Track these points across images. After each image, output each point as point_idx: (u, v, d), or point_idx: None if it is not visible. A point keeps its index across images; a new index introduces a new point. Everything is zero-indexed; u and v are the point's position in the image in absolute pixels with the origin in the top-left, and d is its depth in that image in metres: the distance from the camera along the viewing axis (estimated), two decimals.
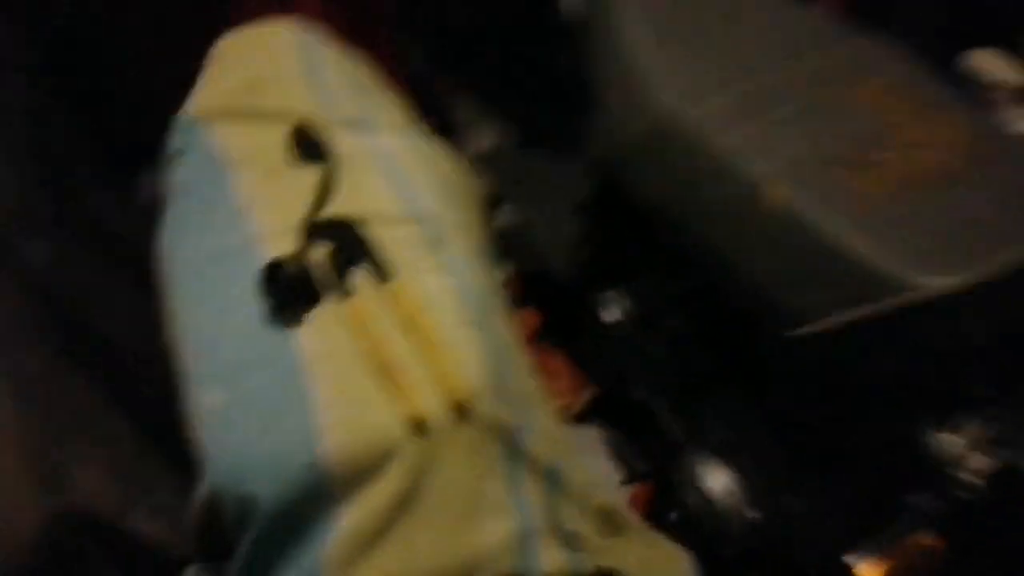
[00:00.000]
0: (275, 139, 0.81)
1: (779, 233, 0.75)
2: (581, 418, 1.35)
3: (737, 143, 0.80)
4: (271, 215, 0.74)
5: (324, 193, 0.75)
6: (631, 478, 1.27)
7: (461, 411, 0.58)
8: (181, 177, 0.82)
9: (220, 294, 0.68)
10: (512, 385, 0.64)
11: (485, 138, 1.58)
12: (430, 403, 0.58)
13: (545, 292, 1.42)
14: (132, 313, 0.88)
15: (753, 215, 0.77)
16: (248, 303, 0.66)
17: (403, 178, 0.76)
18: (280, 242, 0.71)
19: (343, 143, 0.80)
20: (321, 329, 0.63)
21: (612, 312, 1.12)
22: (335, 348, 0.61)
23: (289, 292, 0.64)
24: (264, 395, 0.59)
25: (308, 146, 0.79)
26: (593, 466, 1.30)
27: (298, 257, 0.67)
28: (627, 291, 1.12)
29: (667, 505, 1.14)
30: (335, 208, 0.73)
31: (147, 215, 0.99)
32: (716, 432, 1.03)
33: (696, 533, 1.01)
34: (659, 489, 1.18)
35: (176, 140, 0.85)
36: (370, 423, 0.57)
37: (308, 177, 0.76)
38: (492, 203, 1.53)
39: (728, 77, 0.85)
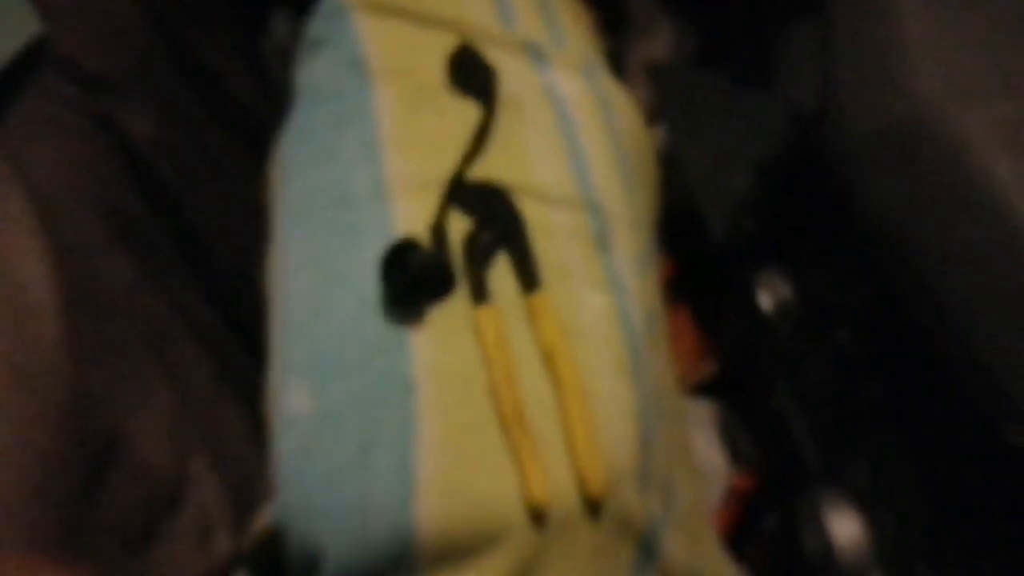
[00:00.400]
0: (435, 51, 0.66)
1: None
2: (698, 390, 1.21)
3: (1015, 174, 0.60)
4: (411, 157, 0.59)
5: (479, 143, 0.60)
6: (739, 464, 1.13)
7: (594, 503, 0.44)
8: (315, 76, 0.67)
9: (331, 253, 0.55)
10: (658, 454, 0.50)
11: (660, 43, 1.35)
12: (560, 484, 0.45)
13: (686, 238, 1.25)
14: (235, 210, 0.76)
15: (1019, 274, 0.59)
16: (363, 276, 0.53)
17: (577, 142, 0.60)
18: (415, 198, 0.57)
19: (514, 76, 0.64)
20: (444, 336, 0.50)
21: (768, 296, 0.95)
22: (457, 367, 0.49)
23: (416, 282, 0.49)
24: (361, 414, 0.47)
25: (471, 72, 0.63)
26: (700, 445, 1.17)
27: (435, 233, 0.53)
28: (793, 278, 0.94)
29: (770, 515, 1.01)
30: (490, 166, 0.59)
31: (273, 70, 0.85)
32: (860, 473, 0.87)
33: (793, 558, 0.88)
34: (765, 491, 1.04)
35: (317, 26, 0.70)
36: (481, 492, 0.45)
37: (464, 114, 0.61)
38: (648, 119, 1.34)
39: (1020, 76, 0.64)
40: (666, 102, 1.20)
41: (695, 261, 1.24)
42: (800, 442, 0.93)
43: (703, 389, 1.20)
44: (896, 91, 0.69)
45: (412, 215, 0.56)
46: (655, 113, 1.30)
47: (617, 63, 1.39)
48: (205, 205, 0.90)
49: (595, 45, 0.73)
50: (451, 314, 0.52)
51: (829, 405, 0.92)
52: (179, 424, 0.63)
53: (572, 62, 0.65)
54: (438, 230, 0.53)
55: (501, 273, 0.54)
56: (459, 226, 0.56)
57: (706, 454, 1.14)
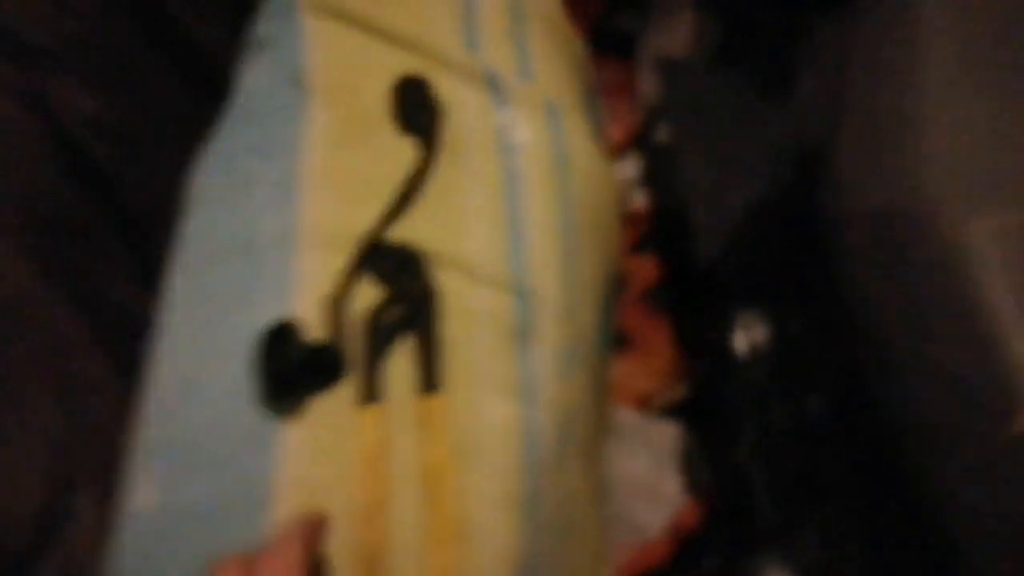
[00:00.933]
0: (387, 72, 0.58)
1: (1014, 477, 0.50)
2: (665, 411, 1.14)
3: (1012, 301, 0.52)
4: (330, 203, 0.53)
5: (406, 196, 0.52)
6: (694, 491, 1.08)
7: None
8: (252, 84, 0.60)
9: (217, 314, 0.49)
10: None
11: (679, 35, 1.25)
12: None
13: (675, 240, 1.17)
14: None
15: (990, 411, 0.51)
16: (247, 348, 0.46)
17: (520, 207, 0.52)
18: (325, 254, 0.50)
19: (467, 113, 0.56)
20: (320, 439, 0.44)
21: (744, 339, 0.88)
22: (324, 481, 0.43)
23: (294, 373, 0.43)
24: (206, 522, 0.42)
25: (416, 108, 0.55)
26: (653, 469, 1.12)
27: (333, 307, 0.46)
28: (773, 325, 0.87)
29: (711, 560, 0.96)
30: (416, 225, 0.52)
31: None
32: (810, 547, 0.82)
33: None
34: (711, 534, 0.99)
35: (264, 24, 0.62)
36: None
37: (402, 155, 0.54)
38: (652, 117, 1.24)
39: None
40: (672, 99, 1.10)
41: (683, 268, 1.16)
42: (756, 500, 0.87)
43: (672, 409, 1.14)
44: (901, 173, 0.60)
45: (317, 275, 0.49)
46: (661, 108, 1.20)
47: (628, 47, 1.29)
48: (152, 190, 0.83)
49: (574, 78, 0.64)
50: (334, 412, 0.45)
51: (790, 469, 0.85)
52: (62, 453, 0.58)
53: (537, 100, 0.57)
54: (336, 304, 0.46)
55: (402, 363, 0.47)
56: (369, 295, 0.49)
57: (656, 479, 1.08)
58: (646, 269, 1.22)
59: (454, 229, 0.51)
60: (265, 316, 0.48)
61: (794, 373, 0.84)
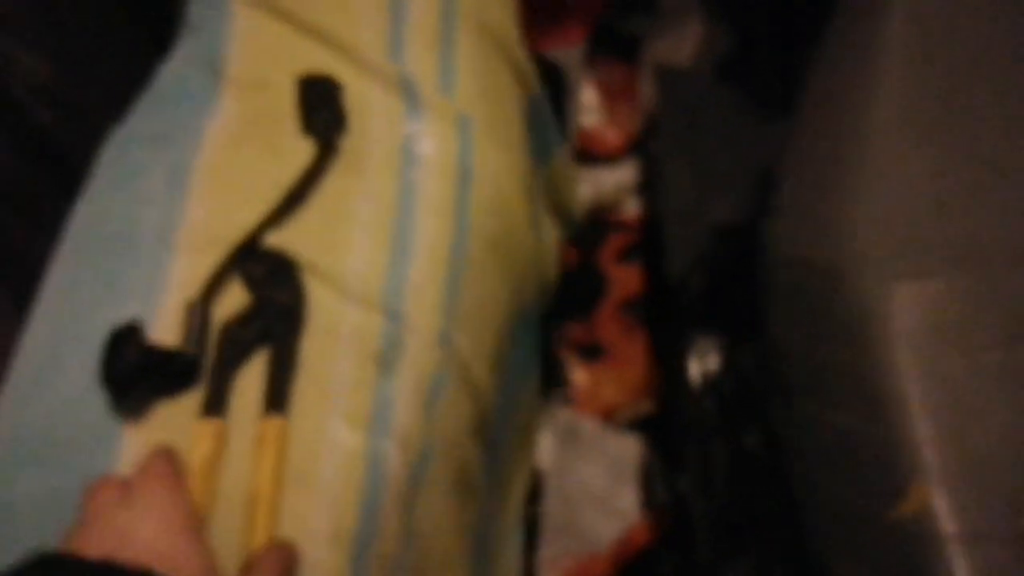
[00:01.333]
0: (300, 69, 0.55)
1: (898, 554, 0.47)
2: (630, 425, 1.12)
3: (921, 376, 0.48)
4: (215, 202, 0.51)
5: (289, 201, 0.50)
6: (650, 505, 1.06)
7: None
8: (171, 68, 0.58)
9: (84, 307, 0.48)
10: None
11: (684, 43, 1.20)
12: None
13: (656, 253, 1.13)
14: None
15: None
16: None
17: (410, 223, 0.50)
18: (201, 256, 0.48)
19: (375, 118, 0.54)
20: (153, 447, 0.42)
21: (698, 366, 0.84)
22: None
23: (137, 373, 0.42)
24: (38, 519, 0.41)
25: (318, 108, 0.53)
26: (615, 480, 1.10)
27: (191, 312, 0.45)
28: (727, 355, 0.83)
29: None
30: (296, 232, 0.51)
31: None
32: None
33: None
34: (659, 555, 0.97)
35: (194, 8, 0.60)
36: None
37: (298, 157, 0.51)
38: (651, 124, 1.20)
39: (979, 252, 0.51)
40: (666, 109, 1.07)
41: (660, 283, 1.12)
42: (695, 531, 0.85)
43: (638, 423, 1.11)
44: (831, 224, 0.56)
45: (189, 276, 0.48)
46: (655, 115, 1.16)
47: (632, 50, 1.24)
48: None
49: (505, 93, 0.61)
50: (176, 420, 0.44)
51: (729, 503, 0.82)
52: None
53: (449, 113, 0.54)
54: (195, 308, 0.45)
55: (254, 377, 0.45)
56: (235, 301, 0.47)
57: (612, 491, 1.06)
58: (628, 279, 1.18)
59: (335, 241, 0.49)
60: (129, 315, 0.46)
61: (738, 407, 0.80)
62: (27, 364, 0.46)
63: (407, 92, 0.55)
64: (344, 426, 0.43)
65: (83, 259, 0.49)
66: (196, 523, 0.37)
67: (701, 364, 0.86)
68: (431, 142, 0.53)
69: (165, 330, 0.46)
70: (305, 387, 0.44)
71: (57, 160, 0.77)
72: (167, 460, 0.39)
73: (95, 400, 0.44)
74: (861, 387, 0.49)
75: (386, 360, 0.45)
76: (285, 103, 0.55)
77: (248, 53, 0.57)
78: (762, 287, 0.62)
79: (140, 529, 0.35)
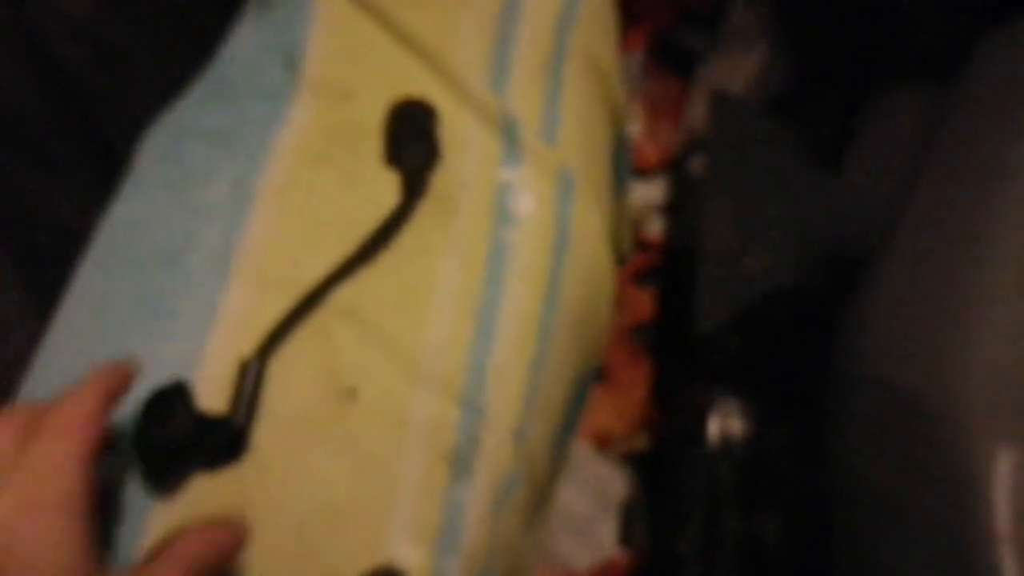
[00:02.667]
0: (392, 81, 0.47)
1: None
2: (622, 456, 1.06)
3: (1011, 561, 0.44)
4: (280, 229, 0.43)
5: (368, 250, 0.42)
6: (628, 543, 1.01)
7: None
8: (241, 49, 0.50)
9: (117, 335, 0.40)
10: None
11: (743, 71, 1.13)
12: None
13: (679, 287, 1.08)
14: None
15: None
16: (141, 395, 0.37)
17: (498, 293, 0.43)
18: (257, 293, 0.40)
19: (469, 160, 0.46)
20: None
21: (717, 426, 0.79)
22: None
23: (179, 445, 0.34)
24: None
25: (412, 139, 0.44)
26: (598, 509, 1.05)
27: (241, 378, 0.37)
28: (751, 424, 0.78)
29: None
30: (366, 290, 0.42)
31: None
32: None
33: None
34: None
35: None
36: None
37: (378, 191, 0.44)
38: (691, 146, 1.13)
39: None
40: (715, 139, 0.99)
41: (678, 318, 1.07)
42: None
43: (630, 456, 1.06)
44: (938, 365, 0.50)
45: (244, 312, 0.40)
46: (701, 142, 1.09)
47: (688, 65, 1.16)
48: (131, 113, 0.73)
49: (604, 137, 0.54)
50: (216, 498, 0.36)
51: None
52: None
53: (551, 165, 0.47)
54: (252, 369, 0.37)
55: None
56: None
57: (592, 520, 1.01)
58: (641, 304, 1.12)
59: (412, 307, 0.41)
60: (175, 349, 0.39)
61: (759, 485, 0.75)
62: (38, 392, 0.38)
63: (507, 132, 0.47)
64: (409, 539, 0.37)
65: (119, 271, 0.41)
66: (77, 501, 0.29)
67: (723, 426, 0.81)
68: (530, 198, 0.46)
69: (213, 370, 0.38)
70: (367, 484, 0.37)
71: (85, 111, 0.67)
72: (84, 405, 0.31)
73: (129, 473, 0.36)
74: (951, 553, 0.44)
75: (461, 461, 0.39)
76: (370, 121, 0.47)
77: (331, 52, 0.48)
78: (835, 402, 0.56)
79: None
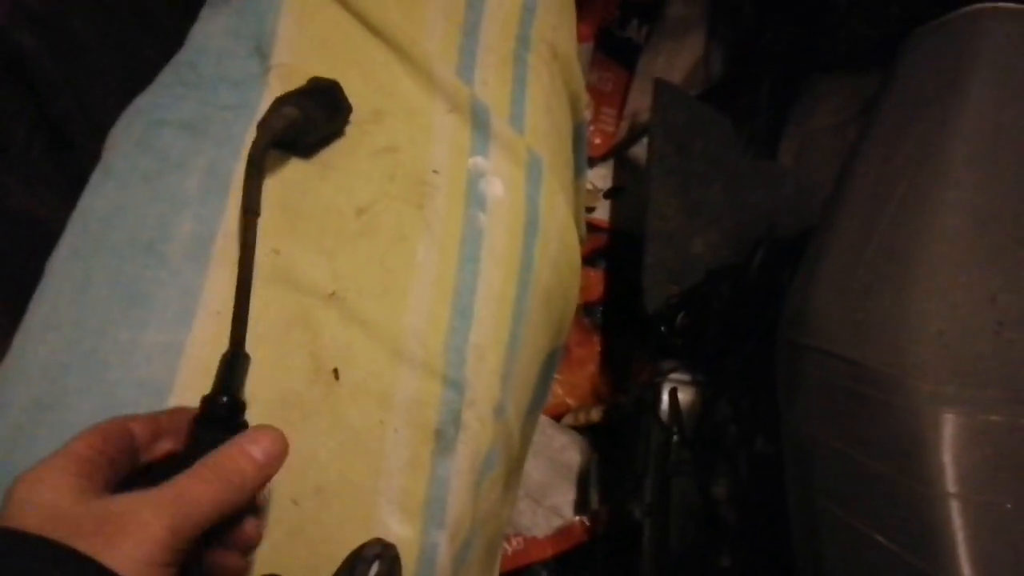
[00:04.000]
0: (359, 69, 0.46)
1: None
2: (580, 428, 1.08)
3: (963, 525, 0.45)
4: (261, 220, 0.41)
5: (337, 233, 0.41)
6: (583, 509, 1.03)
7: None
8: (210, 37, 0.48)
9: (100, 327, 0.38)
10: None
11: (684, 57, 1.14)
12: None
13: (627, 267, 1.09)
14: None
15: None
16: (120, 375, 0.36)
17: (473, 276, 0.43)
18: (231, 274, 0.39)
19: (440, 146, 0.45)
20: None
21: (668, 399, 0.80)
22: None
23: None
24: None
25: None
26: (553, 477, 1.06)
27: (223, 368, 0.36)
28: (701, 395, 0.80)
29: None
30: (342, 272, 0.42)
31: None
32: None
33: None
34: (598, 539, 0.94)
35: None
36: None
37: (348, 177, 0.43)
38: (635, 132, 1.14)
39: None
40: (660, 126, 1.00)
41: (627, 296, 1.08)
42: (642, 558, 0.82)
43: (585, 428, 1.07)
44: (887, 333, 0.52)
45: (223, 297, 0.39)
46: (645, 128, 1.10)
47: (630, 55, 1.17)
48: (87, 98, 0.70)
49: (567, 120, 0.54)
50: None
51: (678, 543, 0.79)
52: None
53: (521, 150, 0.46)
54: (227, 367, 0.36)
55: None
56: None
57: (548, 488, 1.02)
58: (592, 283, 1.13)
59: (392, 291, 0.41)
60: (157, 339, 0.38)
61: (709, 454, 0.77)
62: (18, 388, 0.36)
63: (477, 119, 0.47)
64: (397, 514, 0.36)
65: (96, 259, 0.39)
66: (90, 480, 0.26)
67: (674, 399, 0.82)
68: (500, 182, 0.45)
69: (196, 359, 0.37)
70: (355, 462, 0.37)
71: (38, 97, 0.64)
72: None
73: None
74: (904, 512, 0.46)
75: (444, 437, 0.38)
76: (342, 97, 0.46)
77: (299, 40, 0.47)
78: (786, 372, 0.58)
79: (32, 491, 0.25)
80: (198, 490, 0.25)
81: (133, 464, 0.27)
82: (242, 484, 0.26)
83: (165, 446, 0.28)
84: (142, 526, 0.23)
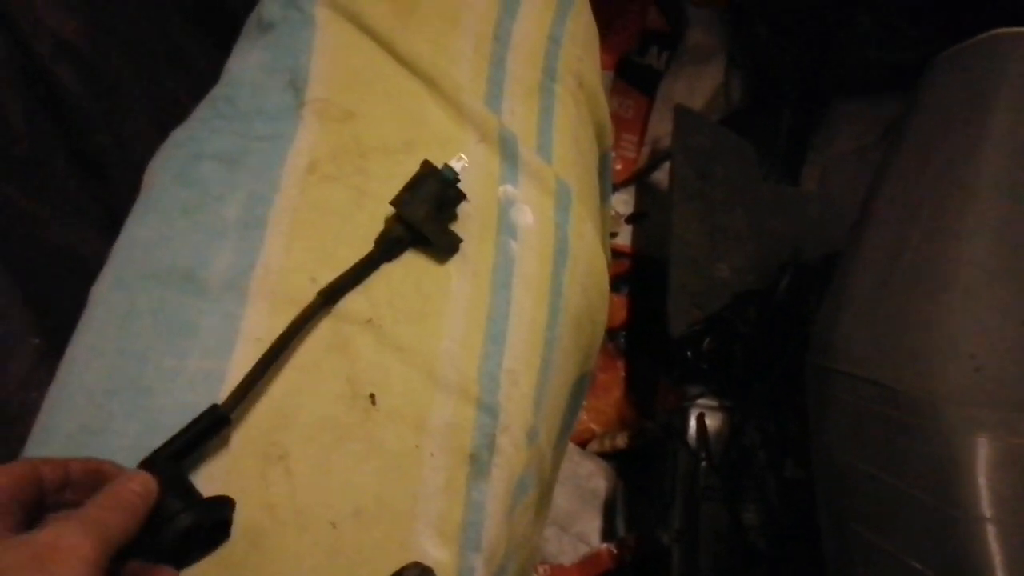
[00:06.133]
0: (391, 102, 0.47)
1: None
2: (605, 455, 1.07)
3: (1000, 551, 0.45)
4: (293, 246, 0.42)
5: (375, 261, 0.42)
6: (610, 536, 1.02)
7: None
8: (245, 71, 0.49)
9: (141, 349, 0.39)
10: None
11: (703, 86, 1.15)
12: None
13: (651, 292, 1.09)
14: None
15: None
16: (163, 402, 0.37)
17: (505, 303, 0.43)
18: (273, 310, 0.40)
19: (470, 175, 0.46)
20: None
21: (695, 426, 0.80)
22: None
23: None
24: None
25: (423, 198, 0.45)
26: (579, 504, 1.05)
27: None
28: (729, 422, 0.80)
29: None
30: (379, 300, 0.42)
31: None
32: None
33: None
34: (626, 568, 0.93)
35: (272, 5, 0.50)
36: None
37: (381, 202, 0.44)
38: (657, 158, 1.15)
39: None
40: (681, 151, 1.01)
41: (652, 322, 1.08)
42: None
43: (611, 454, 1.07)
44: (919, 358, 0.52)
45: (260, 333, 0.40)
46: (667, 154, 1.11)
47: (650, 82, 1.18)
48: (122, 132, 0.72)
49: (593, 149, 0.55)
50: (244, 507, 0.36)
51: (709, 568, 0.79)
52: None
53: (549, 178, 0.47)
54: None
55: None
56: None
57: (575, 516, 1.02)
58: (616, 309, 1.13)
59: (427, 317, 0.42)
60: (200, 366, 0.39)
61: (738, 479, 0.77)
62: (65, 414, 0.37)
63: (505, 148, 0.48)
64: (434, 538, 0.37)
65: (139, 292, 0.41)
66: (2, 521, 0.26)
67: (701, 425, 0.82)
68: (530, 210, 0.46)
69: (237, 385, 0.38)
70: (392, 486, 0.37)
71: (74, 129, 0.66)
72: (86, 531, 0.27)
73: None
74: (939, 537, 0.45)
75: (479, 461, 0.39)
76: (372, 138, 0.47)
77: (332, 73, 0.48)
78: (816, 396, 0.58)
79: None
80: (109, 515, 0.27)
81: (40, 507, 0.28)
82: (135, 513, 0.28)
83: (71, 497, 0.30)
84: (73, 550, 0.25)
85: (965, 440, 0.46)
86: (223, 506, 0.33)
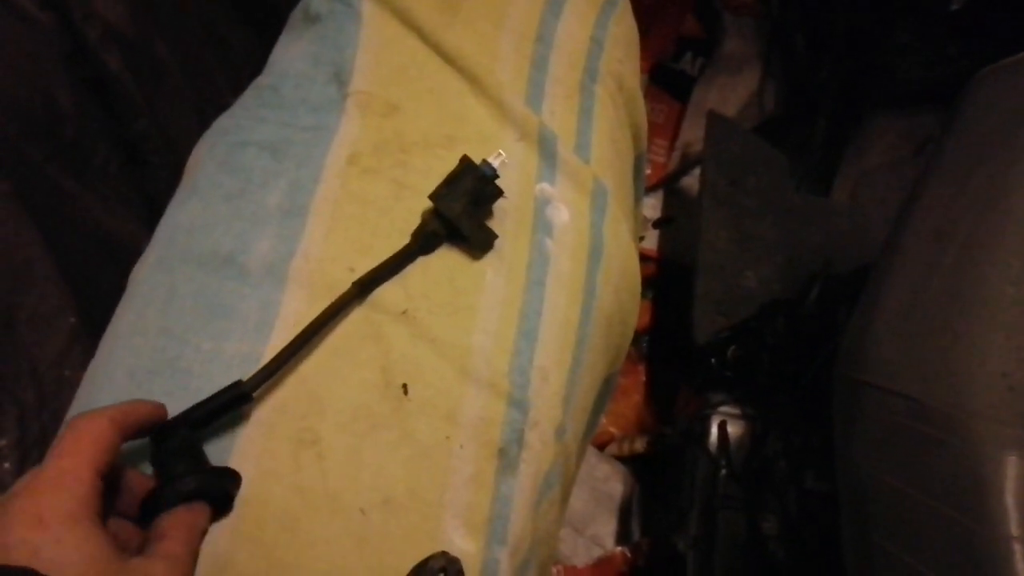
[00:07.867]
0: (432, 97, 0.48)
1: None
2: (623, 458, 1.07)
3: None
4: (332, 235, 0.43)
5: (412, 254, 0.43)
6: (624, 540, 1.02)
7: None
8: (290, 62, 0.50)
9: (181, 331, 0.40)
10: None
11: (736, 94, 1.15)
12: None
13: (676, 298, 1.09)
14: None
15: None
16: (202, 382, 0.37)
17: (538, 299, 0.44)
18: (310, 297, 0.40)
19: (508, 174, 0.46)
20: None
21: (717, 433, 0.80)
22: None
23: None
24: None
25: (461, 193, 0.45)
26: (595, 507, 1.05)
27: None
28: (751, 430, 0.79)
29: None
30: (414, 293, 0.42)
31: None
32: None
33: None
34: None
35: None
36: None
37: (421, 196, 0.44)
38: (687, 164, 1.15)
39: None
40: (713, 158, 1.01)
41: (676, 328, 1.08)
42: None
43: (628, 457, 1.07)
44: (952, 375, 0.51)
45: (300, 314, 0.40)
46: (698, 160, 1.11)
47: (684, 88, 1.18)
48: (166, 120, 0.73)
49: (629, 150, 0.55)
50: (276, 492, 0.36)
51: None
52: None
53: (585, 178, 0.48)
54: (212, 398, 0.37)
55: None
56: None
57: (590, 518, 1.02)
58: (639, 313, 1.13)
59: (461, 311, 0.42)
60: (238, 349, 0.39)
61: (759, 489, 0.76)
62: (105, 392, 0.38)
63: (544, 147, 0.48)
64: (461, 529, 0.37)
65: (181, 274, 0.41)
66: (86, 510, 0.29)
67: (722, 433, 0.82)
68: (566, 209, 0.47)
69: None
70: (422, 476, 0.38)
71: (118, 115, 0.67)
72: (95, 425, 0.31)
73: None
74: (964, 554, 0.45)
75: (507, 456, 0.39)
76: (413, 132, 0.47)
77: (376, 66, 0.49)
78: (843, 407, 0.57)
79: (17, 519, 0.28)
80: (181, 551, 0.31)
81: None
82: (195, 549, 0.33)
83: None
84: None
85: (995, 458, 0.46)
86: (230, 479, 0.34)
